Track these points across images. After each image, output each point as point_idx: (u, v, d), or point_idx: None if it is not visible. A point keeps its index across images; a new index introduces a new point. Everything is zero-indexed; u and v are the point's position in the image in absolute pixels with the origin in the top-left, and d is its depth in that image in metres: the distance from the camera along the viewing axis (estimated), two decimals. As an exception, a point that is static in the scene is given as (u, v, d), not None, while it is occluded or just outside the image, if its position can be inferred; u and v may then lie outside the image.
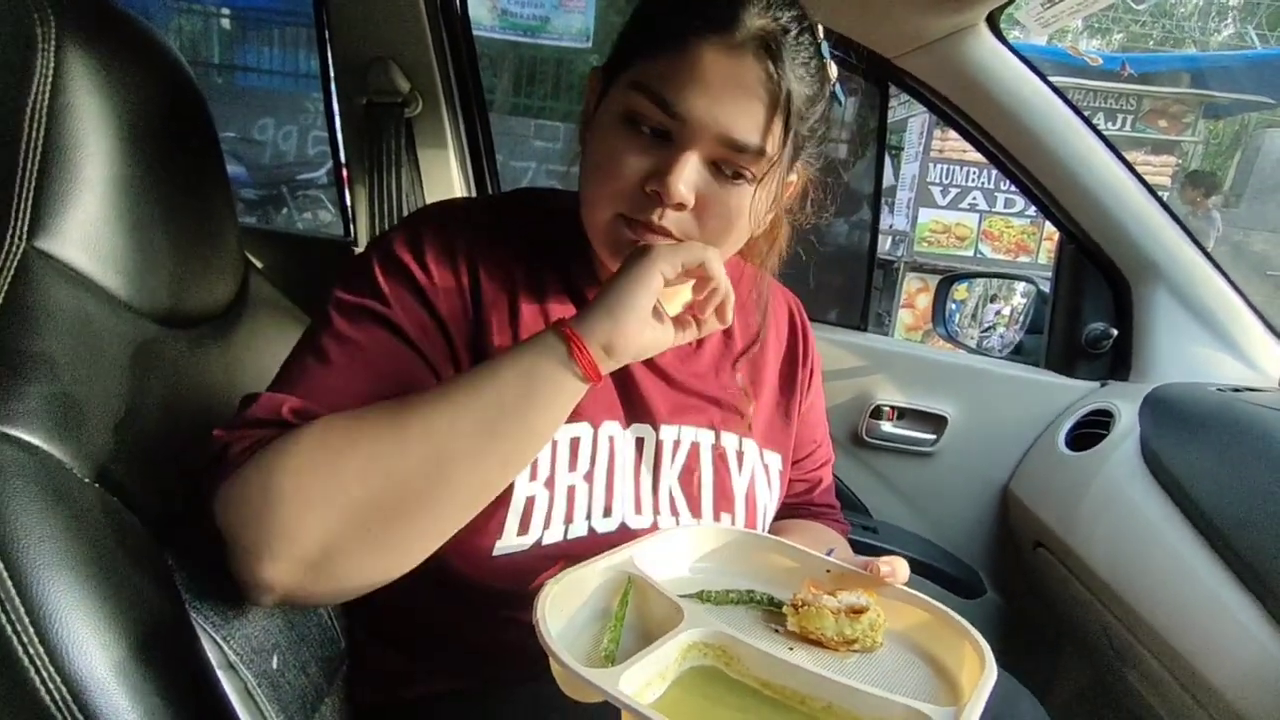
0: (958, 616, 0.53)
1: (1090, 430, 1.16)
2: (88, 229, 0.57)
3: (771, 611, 0.58)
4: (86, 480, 0.50)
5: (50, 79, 0.55)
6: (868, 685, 0.45)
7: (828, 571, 0.59)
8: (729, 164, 0.59)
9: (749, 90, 0.57)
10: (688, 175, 0.57)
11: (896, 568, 0.58)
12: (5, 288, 0.52)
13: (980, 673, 0.47)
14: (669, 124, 0.58)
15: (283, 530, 0.48)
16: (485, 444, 0.53)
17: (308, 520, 0.49)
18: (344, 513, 0.49)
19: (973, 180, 5.47)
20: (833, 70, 0.63)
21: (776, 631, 0.56)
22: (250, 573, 0.49)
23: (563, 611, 0.52)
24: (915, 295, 5.47)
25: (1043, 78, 1.12)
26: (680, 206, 0.58)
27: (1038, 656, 1.31)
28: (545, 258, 0.69)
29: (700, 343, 0.74)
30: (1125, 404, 1.13)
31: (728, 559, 0.64)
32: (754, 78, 0.57)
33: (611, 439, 0.67)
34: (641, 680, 0.46)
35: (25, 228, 0.54)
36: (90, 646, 0.45)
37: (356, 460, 0.50)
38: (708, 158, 0.58)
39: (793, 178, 0.67)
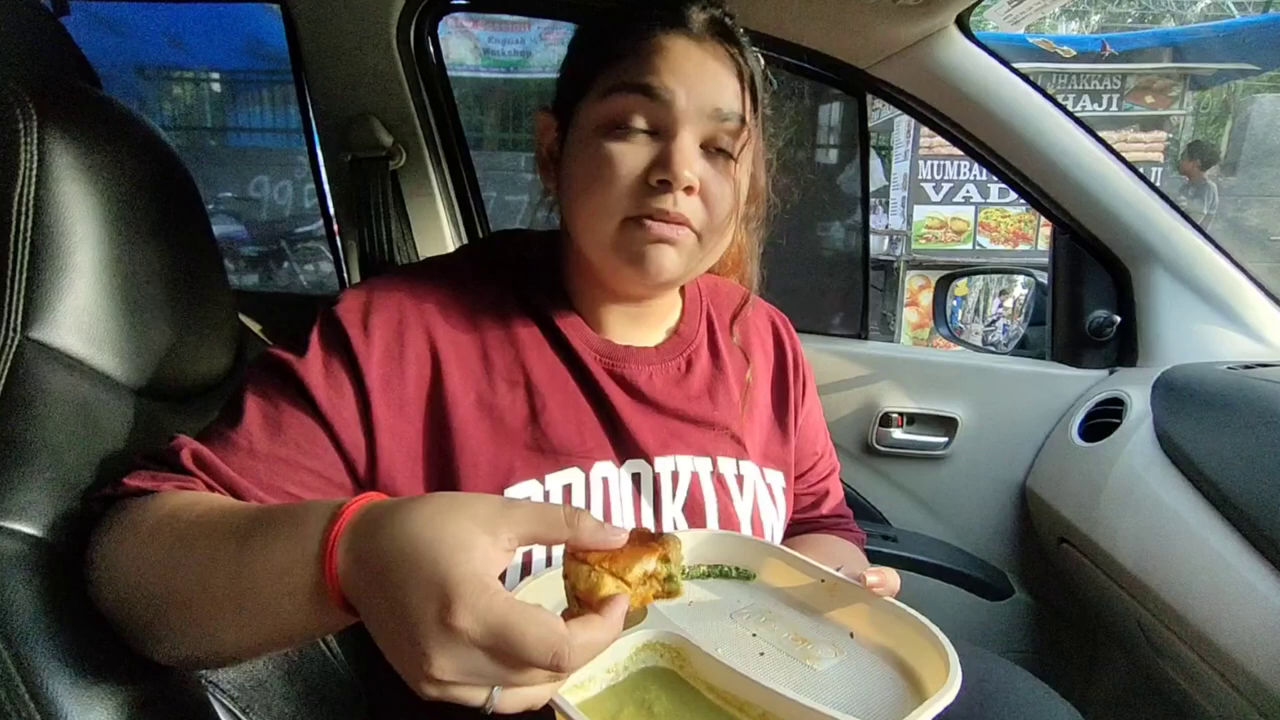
0: (934, 629, 0.51)
1: (1103, 420, 1.14)
2: (81, 315, 0.58)
3: (743, 584, 0.62)
4: None
5: (35, 171, 0.56)
6: (800, 695, 0.44)
7: (822, 581, 0.59)
8: (717, 140, 0.62)
9: (719, 65, 0.62)
10: (689, 157, 0.60)
11: (886, 578, 0.58)
12: (3, 380, 0.52)
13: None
14: (656, 114, 0.60)
15: (92, 591, 0.48)
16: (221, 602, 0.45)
17: (104, 591, 0.48)
18: (121, 601, 0.47)
19: (964, 174, 5.47)
20: (760, 60, 0.67)
21: (754, 636, 0.55)
22: None
23: None
24: (918, 293, 5.46)
25: (1017, 72, 1.11)
26: (690, 190, 0.60)
27: (1073, 655, 1.29)
28: (522, 305, 0.69)
29: (688, 366, 0.74)
30: (1136, 390, 1.12)
31: (723, 561, 0.64)
32: (719, 55, 0.62)
33: (605, 480, 0.66)
34: (583, 675, 0.46)
35: (19, 319, 0.55)
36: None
37: (141, 558, 0.47)
38: (698, 138, 0.61)
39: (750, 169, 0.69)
